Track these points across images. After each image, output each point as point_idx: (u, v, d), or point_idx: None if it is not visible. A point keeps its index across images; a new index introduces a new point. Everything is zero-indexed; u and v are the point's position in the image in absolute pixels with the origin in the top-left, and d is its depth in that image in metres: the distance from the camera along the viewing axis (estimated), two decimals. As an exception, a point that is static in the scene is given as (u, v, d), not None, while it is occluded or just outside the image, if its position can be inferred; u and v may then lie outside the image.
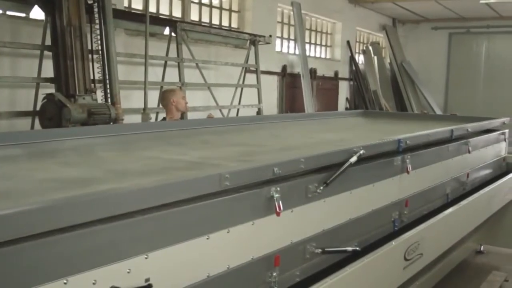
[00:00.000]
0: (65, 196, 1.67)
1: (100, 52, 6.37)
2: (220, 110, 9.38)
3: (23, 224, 1.45)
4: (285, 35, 13.13)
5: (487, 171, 5.26)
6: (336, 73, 14.89)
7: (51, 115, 5.58)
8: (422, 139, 3.80)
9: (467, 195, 4.58)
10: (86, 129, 3.58)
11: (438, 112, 15.85)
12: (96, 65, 6.36)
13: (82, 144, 3.08)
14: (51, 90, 6.10)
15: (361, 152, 2.81)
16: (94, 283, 1.59)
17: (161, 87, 8.18)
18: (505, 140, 5.66)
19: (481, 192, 4.77)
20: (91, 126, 4.28)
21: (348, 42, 15.36)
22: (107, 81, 6.35)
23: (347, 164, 2.71)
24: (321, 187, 2.54)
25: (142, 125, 3.31)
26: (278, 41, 12.63)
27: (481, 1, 13.88)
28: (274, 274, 2.31)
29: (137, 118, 7.05)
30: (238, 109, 9.83)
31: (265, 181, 2.30)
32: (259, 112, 10.20)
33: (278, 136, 4.03)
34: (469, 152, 4.55)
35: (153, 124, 3.55)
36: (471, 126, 4.59)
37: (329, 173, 2.62)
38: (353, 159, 2.76)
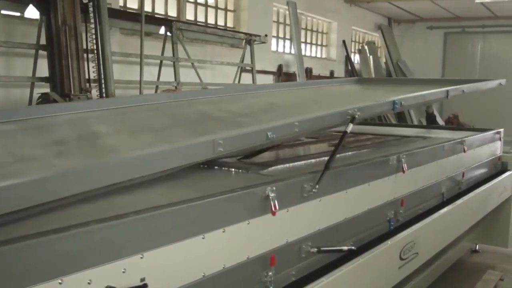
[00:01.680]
0: (63, 168, 1.69)
1: (95, 51, 6.36)
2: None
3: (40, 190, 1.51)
4: (281, 35, 13.13)
5: (483, 170, 5.27)
6: (331, 73, 14.91)
7: (46, 114, 5.56)
8: (417, 100, 3.74)
9: (463, 194, 4.59)
10: (80, 104, 3.46)
11: (435, 113, 15.87)
12: (91, 64, 6.36)
13: (77, 118, 2.98)
14: (46, 89, 6.10)
15: (357, 114, 2.80)
16: (89, 283, 1.59)
17: (157, 86, 8.17)
18: (500, 139, 5.68)
19: (477, 191, 4.78)
20: (85, 101, 4.18)
21: (343, 41, 15.38)
22: (102, 81, 6.35)
23: (344, 137, 2.70)
24: (316, 186, 2.53)
25: (138, 97, 3.27)
26: (273, 41, 12.63)
27: (476, 1, 13.92)
28: (270, 273, 2.31)
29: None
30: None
31: (260, 150, 2.30)
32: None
33: (274, 104, 3.97)
34: (464, 151, 4.56)
35: (148, 96, 3.52)
36: (466, 87, 4.50)
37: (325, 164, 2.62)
38: (349, 128, 2.74)
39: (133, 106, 3.25)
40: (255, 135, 2.30)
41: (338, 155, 3.48)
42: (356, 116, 2.80)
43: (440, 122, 14.92)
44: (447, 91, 4.07)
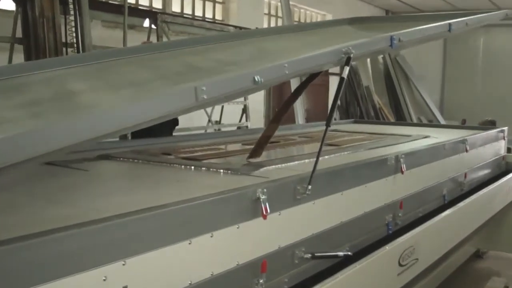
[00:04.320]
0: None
1: (75, 45, 6.33)
2: (205, 110, 9.36)
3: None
4: (273, 28, 13.15)
5: (486, 171, 5.29)
6: (326, 68, 14.90)
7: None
8: (417, 34, 3.60)
9: (465, 196, 4.59)
10: (56, 61, 3.37)
11: (435, 111, 15.92)
12: (70, 59, 6.32)
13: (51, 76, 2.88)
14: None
15: (352, 53, 2.77)
16: (67, 292, 1.57)
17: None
18: (504, 138, 5.70)
19: (480, 193, 4.79)
20: (61, 57, 4.04)
21: (339, 35, 15.40)
22: (83, 76, 6.31)
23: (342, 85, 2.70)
24: (309, 186, 2.52)
25: (118, 51, 3.19)
26: (265, 34, 12.62)
27: (478, -7, 13.99)
28: (261, 281, 2.30)
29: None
30: (222, 106, 9.81)
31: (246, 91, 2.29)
32: (245, 109, 10.19)
33: (265, 50, 3.92)
34: (466, 151, 4.58)
35: (129, 49, 3.44)
36: (469, 20, 4.43)
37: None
38: (345, 72, 2.73)
39: (112, 60, 3.17)
40: (241, 79, 2.27)
41: (333, 155, 3.51)
42: (351, 55, 2.77)
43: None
44: (449, 24, 3.90)
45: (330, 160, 3.34)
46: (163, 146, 3.88)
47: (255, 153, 3.25)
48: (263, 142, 3.30)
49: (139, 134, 4.71)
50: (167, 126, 6.12)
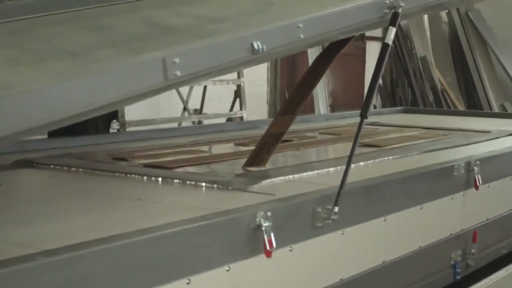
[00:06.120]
0: None
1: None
2: (178, 92, 9.37)
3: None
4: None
5: None
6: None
7: None
8: None
9: None
10: None
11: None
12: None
13: None
14: None
15: (401, 5, 2.77)
16: None
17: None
18: None
19: None
20: None
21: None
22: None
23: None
24: (335, 208, 2.53)
25: (44, 2, 3.18)
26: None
27: None
28: None
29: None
30: (204, 87, 9.80)
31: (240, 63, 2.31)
32: (238, 92, 10.20)
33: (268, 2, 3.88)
34: None
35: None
36: None
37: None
38: (391, 35, 2.74)
39: (35, 17, 3.15)
40: (233, 47, 2.31)
41: (371, 161, 3.52)
42: (400, 10, 2.78)
43: None
44: None
45: (368, 169, 3.35)
46: (113, 148, 3.88)
47: (256, 158, 3.26)
48: (268, 142, 3.30)
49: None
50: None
